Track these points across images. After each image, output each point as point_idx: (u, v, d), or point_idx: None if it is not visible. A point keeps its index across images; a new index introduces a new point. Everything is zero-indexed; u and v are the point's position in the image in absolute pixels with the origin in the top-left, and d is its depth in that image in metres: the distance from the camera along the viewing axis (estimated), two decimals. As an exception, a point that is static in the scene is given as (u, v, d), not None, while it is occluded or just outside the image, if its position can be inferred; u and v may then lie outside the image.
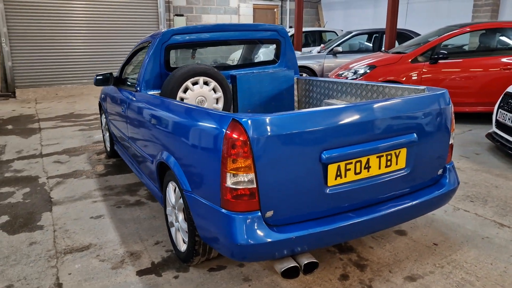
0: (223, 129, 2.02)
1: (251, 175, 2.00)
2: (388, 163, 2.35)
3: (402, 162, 2.41)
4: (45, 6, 11.05)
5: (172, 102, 2.77)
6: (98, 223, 3.35)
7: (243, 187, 2.01)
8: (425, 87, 2.81)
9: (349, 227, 2.23)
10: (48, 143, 6.02)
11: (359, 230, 2.29)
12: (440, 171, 2.65)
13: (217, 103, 3.65)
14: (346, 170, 2.22)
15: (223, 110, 3.55)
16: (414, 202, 2.46)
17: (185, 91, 3.49)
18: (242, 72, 3.90)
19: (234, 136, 1.97)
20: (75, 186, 4.19)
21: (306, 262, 2.14)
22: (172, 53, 4.12)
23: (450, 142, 2.63)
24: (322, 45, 10.17)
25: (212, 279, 2.55)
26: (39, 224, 3.35)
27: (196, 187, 2.29)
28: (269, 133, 1.99)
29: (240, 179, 2.00)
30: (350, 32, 9.65)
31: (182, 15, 13.49)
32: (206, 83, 3.56)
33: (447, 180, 2.65)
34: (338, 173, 2.20)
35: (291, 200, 2.11)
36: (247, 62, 4.20)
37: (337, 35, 11.96)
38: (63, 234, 3.18)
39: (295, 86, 4.15)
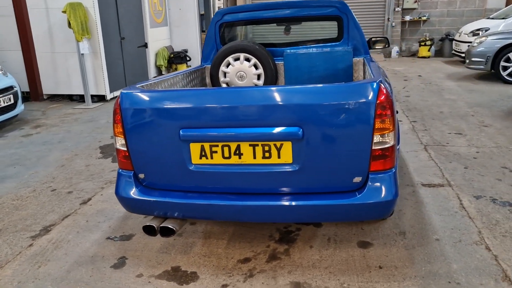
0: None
1: (123, 140, 2.39)
2: (266, 154, 2.22)
3: (287, 157, 2.21)
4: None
5: None
6: None
7: (120, 148, 2.43)
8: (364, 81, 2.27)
9: (211, 207, 2.31)
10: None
11: (223, 213, 2.33)
12: (358, 179, 2.22)
13: (258, 79, 3.85)
14: (212, 152, 2.27)
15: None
16: (302, 204, 2.23)
17: (227, 66, 3.86)
18: (293, 50, 3.89)
19: (115, 106, 2.39)
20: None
21: (161, 225, 2.39)
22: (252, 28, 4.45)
23: (372, 147, 2.15)
24: None
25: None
26: None
27: None
28: (135, 106, 2.31)
29: (119, 141, 2.43)
30: None
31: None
32: (248, 59, 3.81)
33: (364, 191, 2.20)
34: (203, 153, 2.28)
35: (157, 168, 2.38)
36: (309, 39, 4.09)
37: None
38: None
39: (355, 67, 3.80)
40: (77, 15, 7.01)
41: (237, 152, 2.24)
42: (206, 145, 2.26)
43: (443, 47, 12.37)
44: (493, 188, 3.41)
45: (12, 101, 6.12)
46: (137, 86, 2.58)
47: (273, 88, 2.18)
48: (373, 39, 4.46)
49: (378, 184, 2.21)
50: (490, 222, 2.88)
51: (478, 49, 8.08)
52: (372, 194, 2.20)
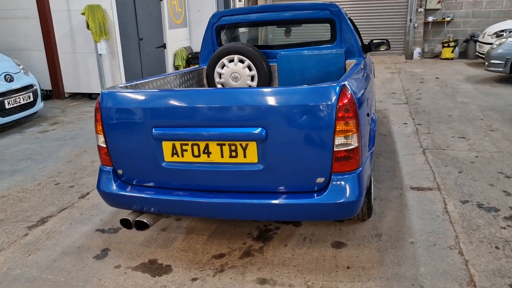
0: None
1: (103, 137, 2.53)
2: (233, 153, 2.30)
3: (252, 157, 2.29)
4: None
5: None
6: None
7: (101, 145, 2.57)
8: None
9: (181, 203, 2.42)
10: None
11: (192, 209, 2.42)
12: (321, 180, 2.27)
13: (252, 80, 3.93)
14: (183, 150, 2.37)
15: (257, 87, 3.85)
16: (267, 202, 2.30)
17: (222, 67, 3.96)
18: (286, 52, 3.94)
19: (96, 104, 2.54)
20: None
21: (136, 219, 2.51)
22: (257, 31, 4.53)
23: (334, 148, 2.20)
24: None
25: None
26: None
27: None
28: (113, 105, 2.44)
29: (99, 139, 2.57)
30: None
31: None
32: (242, 61, 3.90)
33: (327, 192, 2.25)
34: (175, 151, 2.39)
35: (134, 164, 2.50)
36: (304, 41, 4.13)
37: None
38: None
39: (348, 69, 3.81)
40: (95, 17, 7.29)
41: (206, 151, 2.34)
42: (177, 144, 2.37)
43: (468, 48, 12.06)
44: (482, 193, 3.36)
45: (32, 99, 6.43)
46: (120, 86, 2.72)
47: (238, 90, 2.26)
48: (374, 41, 4.46)
49: (341, 185, 2.25)
50: (471, 227, 2.86)
51: (497, 51, 7.86)
52: (334, 195, 2.24)
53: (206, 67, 4.13)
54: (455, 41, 12.10)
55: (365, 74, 3.07)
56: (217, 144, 2.31)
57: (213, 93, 2.28)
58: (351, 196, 2.25)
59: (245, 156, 2.30)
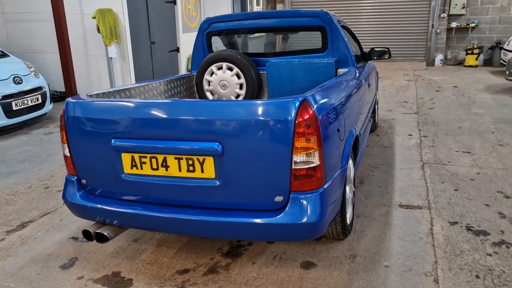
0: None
1: (66, 146, 2.49)
2: (191, 168, 2.22)
3: (210, 172, 2.19)
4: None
5: None
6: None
7: (66, 154, 2.54)
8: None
9: (138, 217, 2.35)
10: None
11: (150, 223, 2.35)
12: (279, 198, 2.15)
13: (240, 88, 3.84)
14: (142, 163, 2.31)
15: (245, 95, 3.77)
16: (223, 220, 2.20)
17: (211, 74, 3.88)
18: (276, 60, 3.83)
19: (61, 113, 2.50)
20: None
21: (97, 231, 2.46)
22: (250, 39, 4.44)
23: (292, 166, 2.08)
24: None
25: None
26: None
27: None
28: (76, 114, 2.40)
29: (65, 148, 2.54)
30: None
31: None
32: (230, 69, 3.82)
33: (285, 212, 2.13)
34: (134, 163, 2.32)
35: (95, 175, 2.45)
36: (293, 49, 4.00)
37: None
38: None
39: (339, 79, 3.67)
40: (106, 21, 7.37)
41: (164, 164, 2.26)
42: (136, 156, 2.30)
43: (493, 56, 11.59)
44: (475, 215, 3.15)
45: (40, 101, 6.55)
46: (90, 94, 2.68)
47: (194, 102, 2.18)
48: (375, 49, 4.30)
49: (300, 204, 2.13)
50: (454, 252, 2.67)
51: (518, 60, 7.48)
52: (293, 215, 2.12)
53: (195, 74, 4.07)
54: (480, 48, 11.65)
55: (347, 86, 2.92)
56: (175, 158, 2.23)
57: (169, 105, 2.21)
58: (311, 217, 2.12)
59: (202, 171, 2.21)
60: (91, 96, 2.67)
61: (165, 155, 2.24)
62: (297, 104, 2.05)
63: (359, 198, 3.52)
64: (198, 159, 2.19)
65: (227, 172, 2.16)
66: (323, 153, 2.13)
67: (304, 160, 2.09)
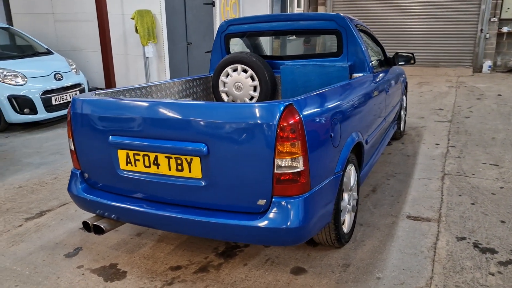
0: (71, 105, 2.70)
1: (71, 141, 2.63)
2: (179, 167, 2.27)
3: (197, 172, 2.24)
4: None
5: None
6: None
7: (71, 148, 2.68)
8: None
9: (131, 212, 2.43)
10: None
11: (141, 219, 2.43)
12: (262, 202, 2.15)
13: (254, 90, 3.86)
14: (136, 160, 2.39)
15: (259, 97, 3.81)
16: (207, 220, 2.23)
17: (227, 76, 3.93)
18: (290, 63, 3.82)
19: (68, 109, 2.65)
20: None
21: (94, 223, 2.57)
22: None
23: (274, 170, 2.07)
24: None
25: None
26: None
27: None
28: (80, 111, 2.53)
29: (70, 143, 2.68)
30: None
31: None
32: (245, 71, 3.85)
33: (266, 215, 2.13)
34: (129, 160, 2.41)
35: (96, 169, 2.57)
36: (310, 53, 3.95)
37: None
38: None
39: (353, 84, 3.60)
40: (144, 22, 7.64)
41: (155, 162, 2.33)
42: (131, 153, 2.39)
43: (547, 63, 10.86)
44: (486, 231, 2.98)
45: (78, 97, 6.90)
46: (98, 92, 2.81)
47: (183, 103, 2.23)
48: (398, 54, 4.19)
49: (282, 209, 2.12)
50: (454, 268, 2.55)
51: None
52: (274, 219, 2.12)
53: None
54: (533, 54, 10.96)
55: (350, 92, 2.86)
56: (165, 157, 2.29)
57: (159, 105, 2.27)
58: (293, 222, 2.11)
59: (190, 171, 2.25)
60: (99, 94, 2.80)
61: (156, 154, 2.31)
62: (282, 108, 2.05)
63: (368, 206, 3.43)
64: (186, 159, 2.24)
65: (213, 172, 2.19)
66: (308, 159, 2.11)
67: (288, 164, 2.08)
